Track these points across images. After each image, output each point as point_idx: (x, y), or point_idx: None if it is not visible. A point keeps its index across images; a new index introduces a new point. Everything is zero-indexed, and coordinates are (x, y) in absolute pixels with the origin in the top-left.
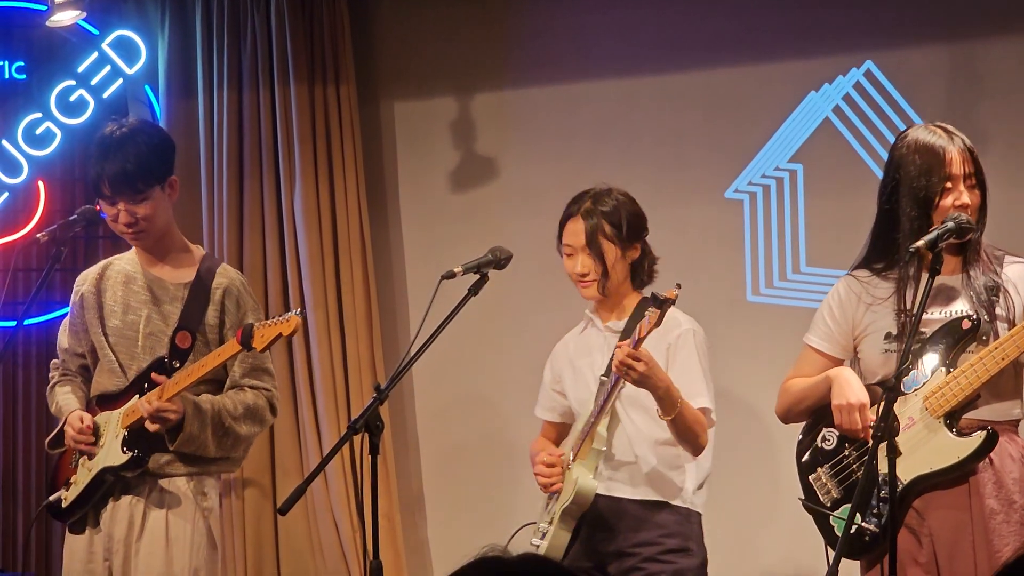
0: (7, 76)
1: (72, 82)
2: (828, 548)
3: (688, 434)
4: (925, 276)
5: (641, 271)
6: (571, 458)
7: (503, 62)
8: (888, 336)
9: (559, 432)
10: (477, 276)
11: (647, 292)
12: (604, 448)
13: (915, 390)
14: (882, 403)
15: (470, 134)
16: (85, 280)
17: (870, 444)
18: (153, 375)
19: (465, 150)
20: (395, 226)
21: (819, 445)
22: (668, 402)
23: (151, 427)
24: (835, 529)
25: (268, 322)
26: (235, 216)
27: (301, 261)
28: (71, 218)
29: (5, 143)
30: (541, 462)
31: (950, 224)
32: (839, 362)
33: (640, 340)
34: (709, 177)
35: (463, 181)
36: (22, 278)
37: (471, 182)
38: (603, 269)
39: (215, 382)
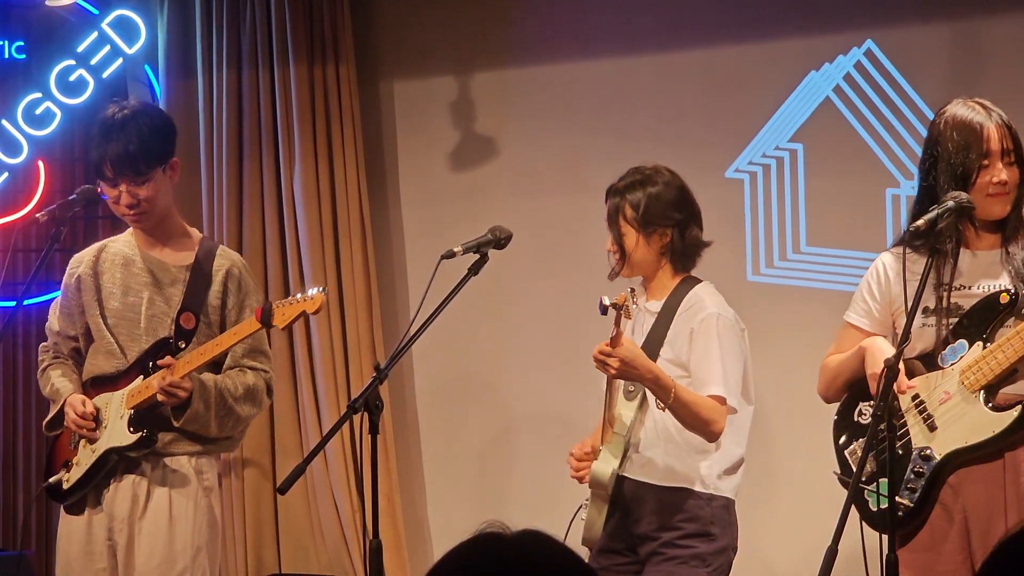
0: (7, 56)
1: (72, 62)
2: (863, 523)
3: (692, 421)
4: (963, 252)
5: (678, 254)
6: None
7: (503, 41)
8: (925, 311)
9: None
10: (477, 256)
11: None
12: (625, 433)
13: (952, 364)
14: (882, 382)
15: (470, 114)
16: (80, 262)
17: (900, 411)
18: (160, 359)
19: (465, 129)
20: (395, 206)
21: (856, 420)
22: (659, 392)
23: (163, 400)
24: (868, 504)
25: (289, 300)
26: (235, 196)
27: (301, 242)
28: (70, 198)
29: (5, 123)
30: (572, 454)
31: (950, 203)
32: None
33: (614, 339)
34: (709, 157)
35: (463, 161)
36: (22, 258)
37: (471, 162)
38: (621, 252)
39: (212, 362)
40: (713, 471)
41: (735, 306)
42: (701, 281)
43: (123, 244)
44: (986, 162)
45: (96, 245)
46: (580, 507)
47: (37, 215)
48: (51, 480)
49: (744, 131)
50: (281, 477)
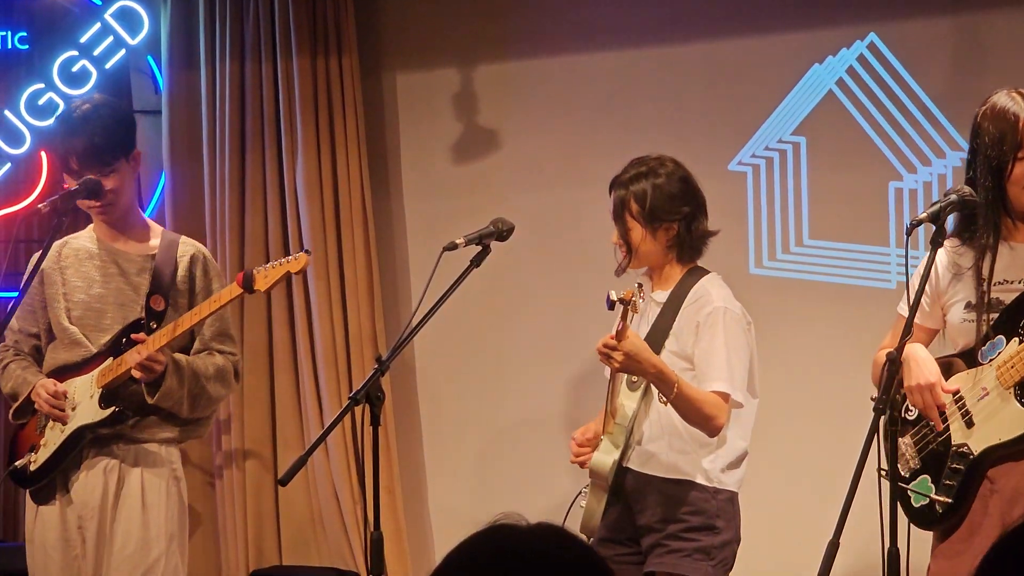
0: (9, 46)
1: (75, 52)
2: (910, 521)
3: (694, 416)
4: (1002, 245)
5: (685, 246)
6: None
7: (505, 34)
8: (968, 305)
9: None
10: (479, 248)
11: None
12: (626, 424)
13: (990, 360)
14: (885, 375)
15: (472, 106)
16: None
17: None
18: (133, 335)
19: (467, 122)
20: (397, 198)
21: (903, 415)
22: (662, 387)
23: (137, 374)
24: (911, 500)
25: (272, 264)
26: (237, 188)
27: (303, 233)
28: (73, 188)
29: (7, 113)
30: (574, 438)
31: (953, 197)
32: (930, 331)
33: (620, 332)
34: (712, 149)
35: (465, 153)
36: (24, 249)
37: (473, 154)
38: (627, 247)
39: (180, 348)
40: (717, 464)
41: (738, 299)
42: (708, 272)
43: (85, 239)
44: (1021, 154)
45: (59, 242)
46: (579, 494)
47: (39, 206)
48: (17, 464)
49: (747, 124)
50: (282, 469)
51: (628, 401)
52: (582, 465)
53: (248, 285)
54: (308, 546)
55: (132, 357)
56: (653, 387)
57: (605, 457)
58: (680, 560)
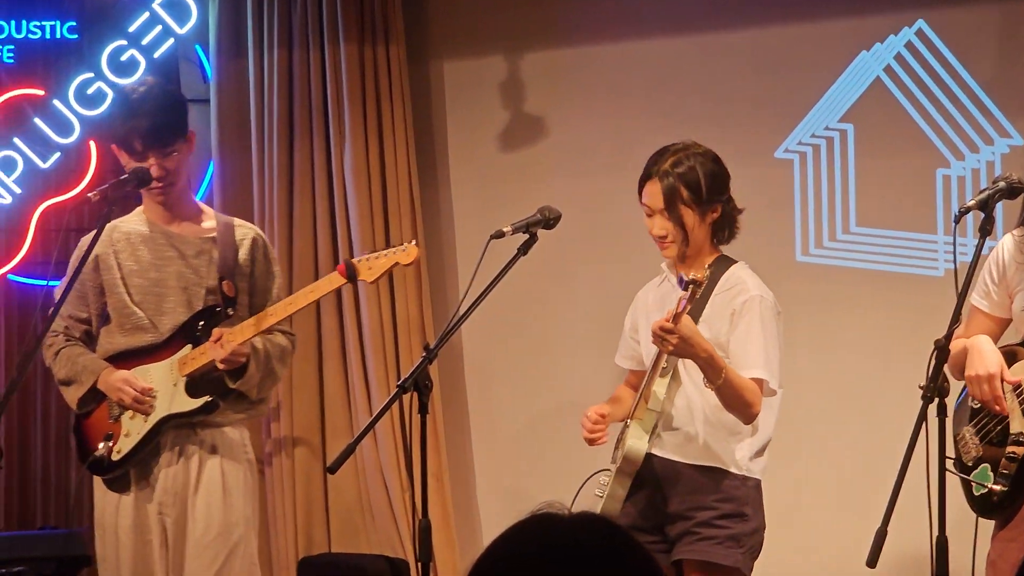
0: (59, 36)
1: (123, 42)
2: (972, 509)
3: (736, 403)
4: None
5: (722, 229)
6: (630, 415)
7: (552, 21)
8: None
9: (641, 379)
10: (526, 236)
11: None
12: (659, 409)
13: None
14: (932, 361)
15: (519, 93)
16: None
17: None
18: (216, 329)
19: (514, 109)
20: (444, 186)
21: (969, 404)
22: (711, 372)
23: (222, 366)
24: (972, 488)
25: (377, 253)
26: (285, 175)
27: (351, 220)
28: (122, 177)
29: (57, 103)
30: (587, 415)
31: (1001, 184)
32: (1001, 321)
33: (678, 315)
34: (759, 137)
35: (512, 140)
36: (74, 238)
37: (520, 141)
38: (683, 235)
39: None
40: (746, 453)
41: (784, 286)
42: (736, 261)
43: (135, 223)
44: None
45: (108, 226)
46: (593, 475)
47: (89, 195)
48: (97, 453)
49: (794, 111)
50: (331, 457)
51: (658, 387)
52: (592, 442)
53: (351, 275)
54: (357, 534)
55: (217, 352)
56: (684, 372)
57: (639, 443)
58: (712, 548)
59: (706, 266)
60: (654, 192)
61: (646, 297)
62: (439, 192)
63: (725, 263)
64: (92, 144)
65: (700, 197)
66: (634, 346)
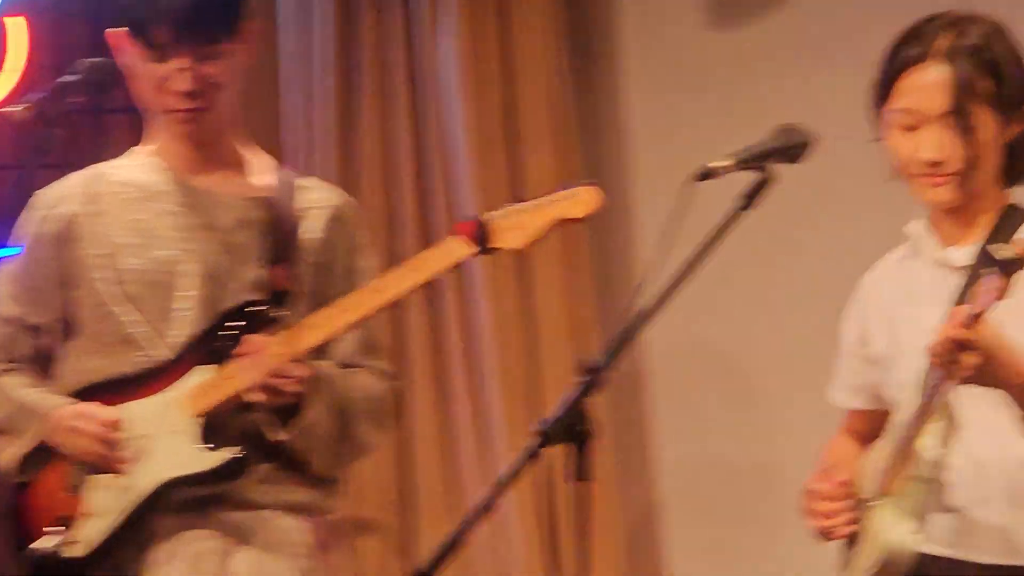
0: None
1: None
2: None
3: None
4: None
5: (1019, 157)
6: (877, 490)
7: None
8: None
9: (873, 425)
10: (759, 174)
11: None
12: (934, 477)
13: None
14: None
15: None
16: (62, 199)
17: None
18: (248, 335)
19: None
20: (609, 91)
21: None
22: None
23: (263, 398)
24: None
25: (523, 204)
26: (339, 70)
27: (451, 151)
28: (68, 78)
29: None
30: (813, 491)
31: None
32: None
33: (976, 316)
34: None
35: (716, 18)
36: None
37: (729, 19)
38: (974, 154)
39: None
40: None
41: None
42: None
43: (139, 170)
44: None
45: (83, 173)
46: None
47: (12, 107)
48: (35, 546)
49: None
50: (421, 547)
51: (929, 441)
52: (830, 536)
53: (482, 238)
54: None
55: (248, 373)
56: (959, 414)
57: (902, 536)
58: None
59: (988, 228)
60: (929, 85)
61: (878, 289)
62: (599, 101)
63: (1018, 217)
64: (21, 20)
65: (1004, 92)
66: (864, 370)
